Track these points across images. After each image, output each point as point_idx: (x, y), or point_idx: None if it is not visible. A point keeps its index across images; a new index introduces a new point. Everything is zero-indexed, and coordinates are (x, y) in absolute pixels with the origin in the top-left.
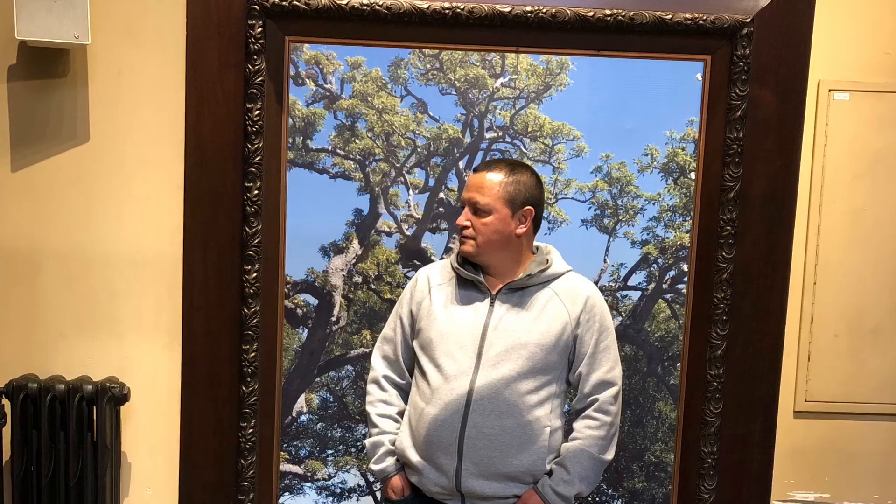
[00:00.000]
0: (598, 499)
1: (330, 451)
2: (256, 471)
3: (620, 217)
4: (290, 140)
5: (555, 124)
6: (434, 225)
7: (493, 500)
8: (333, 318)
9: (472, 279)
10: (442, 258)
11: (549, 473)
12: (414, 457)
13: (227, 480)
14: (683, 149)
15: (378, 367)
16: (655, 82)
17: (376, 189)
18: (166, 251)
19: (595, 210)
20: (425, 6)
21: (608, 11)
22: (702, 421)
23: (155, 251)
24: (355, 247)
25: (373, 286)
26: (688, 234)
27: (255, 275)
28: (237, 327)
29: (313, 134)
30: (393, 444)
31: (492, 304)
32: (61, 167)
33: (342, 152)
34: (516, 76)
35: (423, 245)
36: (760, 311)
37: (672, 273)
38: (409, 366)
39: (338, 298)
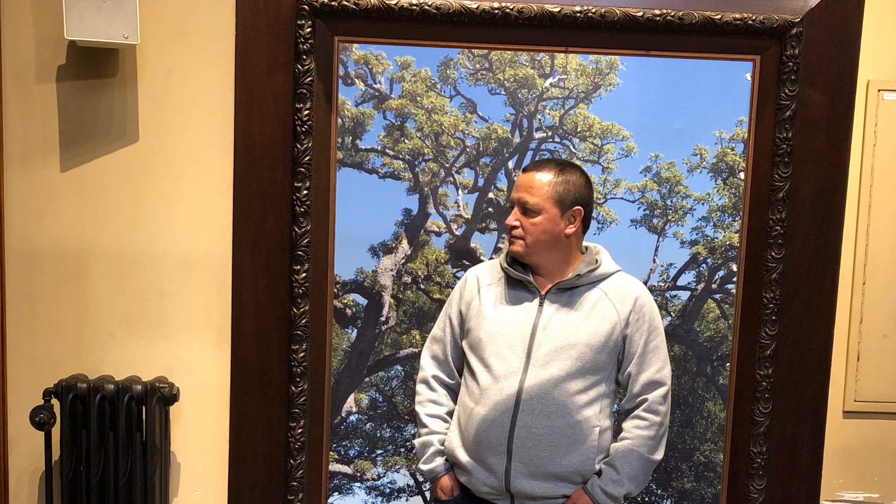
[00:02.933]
0: (647, 499)
1: (379, 451)
2: (305, 471)
3: (670, 217)
4: (340, 140)
5: (604, 124)
6: (483, 225)
7: (542, 499)
8: (382, 318)
9: (522, 279)
10: (491, 258)
11: (599, 473)
12: (463, 457)
13: (277, 480)
14: (733, 149)
15: (427, 367)
16: (705, 82)
17: (425, 189)
18: (216, 251)
19: (644, 210)
20: (475, 6)
21: (657, 11)
22: (751, 421)
23: (204, 251)
24: (404, 247)
25: (422, 286)
26: (737, 234)
27: (304, 275)
28: (286, 327)
29: (362, 134)
30: (442, 444)
31: (541, 304)
32: (111, 167)
33: (391, 152)
34: (565, 76)
35: (472, 245)
36: (809, 310)
37: (721, 273)
38: (458, 366)
39: (387, 298)
